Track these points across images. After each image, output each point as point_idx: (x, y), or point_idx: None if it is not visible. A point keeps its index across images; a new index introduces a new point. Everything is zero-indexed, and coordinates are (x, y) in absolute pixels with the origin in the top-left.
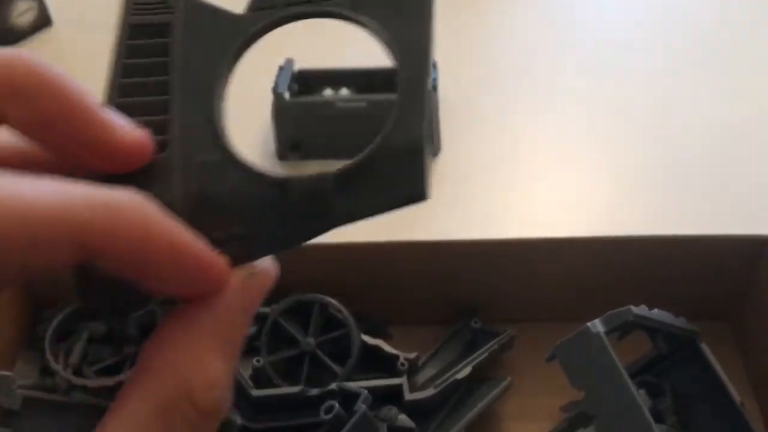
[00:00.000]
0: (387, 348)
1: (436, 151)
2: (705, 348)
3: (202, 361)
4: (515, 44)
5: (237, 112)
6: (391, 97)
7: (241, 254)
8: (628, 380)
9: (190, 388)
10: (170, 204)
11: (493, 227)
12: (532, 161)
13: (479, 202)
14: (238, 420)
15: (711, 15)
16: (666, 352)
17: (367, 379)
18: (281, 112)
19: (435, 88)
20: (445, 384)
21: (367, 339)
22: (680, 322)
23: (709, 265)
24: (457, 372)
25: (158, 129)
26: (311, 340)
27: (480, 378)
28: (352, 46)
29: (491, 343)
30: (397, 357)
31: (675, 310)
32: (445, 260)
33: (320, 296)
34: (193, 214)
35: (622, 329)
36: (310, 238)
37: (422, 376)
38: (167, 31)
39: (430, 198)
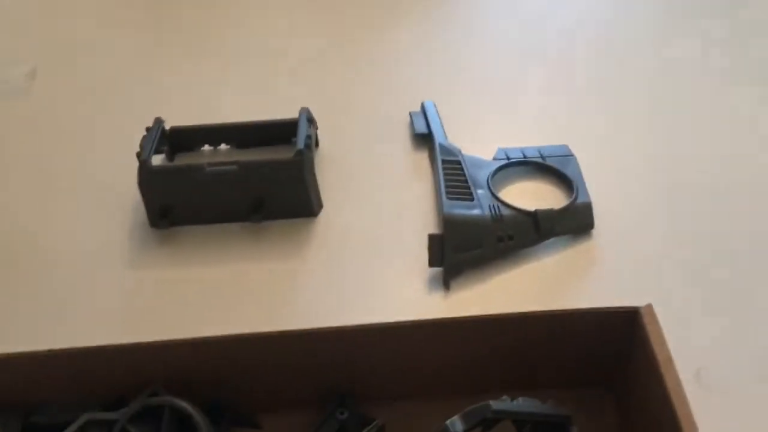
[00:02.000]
0: None
1: (317, 209)
2: (574, 430)
3: None
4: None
5: (108, 179)
6: (264, 156)
7: None
8: None
9: None
10: None
11: (362, 300)
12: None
13: (349, 272)
14: None
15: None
16: None
17: None
18: (147, 179)
19: (310, 146)
20: None
21: None
22: (548, 408)
23: (582, 337)
24: None
25: None
26: None
27: None
28: (232, 100)
29: None
30: None
31: (553, 379)
32: (310, 348)
33: (170, 399)
34: None
35: (483, 425)
36: None
37: None
38: None
39: None
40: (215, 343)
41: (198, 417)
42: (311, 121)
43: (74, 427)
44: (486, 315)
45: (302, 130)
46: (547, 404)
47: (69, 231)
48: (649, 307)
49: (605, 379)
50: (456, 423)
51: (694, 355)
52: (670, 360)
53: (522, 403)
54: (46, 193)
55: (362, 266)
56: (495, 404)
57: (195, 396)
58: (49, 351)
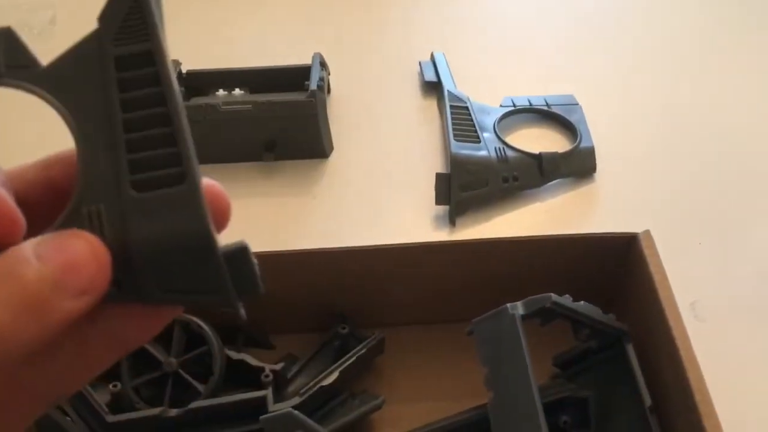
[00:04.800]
0: (252, 361)
1: (328, 150)
2: (630, 349)
3: None
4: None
5: None
6: (278, 97)
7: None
8: (528, 364)
9: None
10: None
11: (370, 233)
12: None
13: (358, 208)
14: None
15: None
16: (594, 346)
17: (233, 393)
18: None
19: (322, 87)
20: (310, 392)
21: (232, 354)
22: (607, 318)
23: (582, 261)
24: (324, 378)
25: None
26: (173, 361)
27: (355, 389)
28: (247, 45)
29: (358, 348)
30: (262, 369)
31: None
32: (318, 268)
33: (181, 314)
34: None
35: (541, 315)
36: None
37: (295, 386)
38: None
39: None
40: None
41: (207, 330)
42: (324, 65)
43: None
44: (488, 238)
45: (315, 73)
46: (608, 315)
47: None
48: (647, 232)
49: (604, 302)
50: (517, 306)
51: (688, 287)
52: (666, 281)
53: (583, 305)
54: (66, 132)
55: (371, 203)
56: (556, 297)
57: (211, 317)
58: None
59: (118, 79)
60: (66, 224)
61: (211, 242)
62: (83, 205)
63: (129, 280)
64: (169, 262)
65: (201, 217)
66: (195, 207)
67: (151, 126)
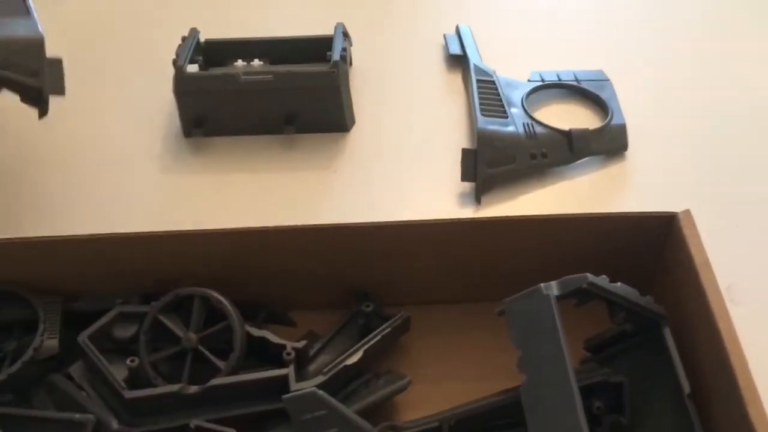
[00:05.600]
0: (273, 338)
1: (350, 124)
2: (667, 333)
3: None
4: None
5: (142, 88)
6: (300, 68)
7: None
8: (564, 348)
9: None
10: None
11: (393, 209)
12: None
13: (380, 184)
14: (114, 425)
15: None
16: (629, 329)
17: (254, 371)
18: (182, 86)
19: (345, 58)
20: (334, 371)
21: (253, 330)
22: (645, 300)
23: (617, 243)
24: (348, 357)
25: None
26: (192, 336)
27: (380, 370)
28: (268, 15)
29: (383, 326)
30: (283, 346)
31: None
32: (341, 244)
33: (200, 289)
34: None
35: (577, 296)
36: None
37: (317, 364)
38: None
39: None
40: (247, 234)
41: (228, 305)
42: (346, 36)
43: (106, 318)
44: (517, 216)
45: (338, 43)
46: (645, 298)
47: (109, 137)
48: (687, 212)
49: (640, 282)
50: (551, 286)
51: (724, 270)
52: (707, 262)
53: (620, 287)
54: (89, 101)
55: (394, 179)
56: (593, 278)
57: (232, 294)
58: (91, 235)
59: None
60: None
61: None
62: None
63: None
64: None
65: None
66: None
67: None
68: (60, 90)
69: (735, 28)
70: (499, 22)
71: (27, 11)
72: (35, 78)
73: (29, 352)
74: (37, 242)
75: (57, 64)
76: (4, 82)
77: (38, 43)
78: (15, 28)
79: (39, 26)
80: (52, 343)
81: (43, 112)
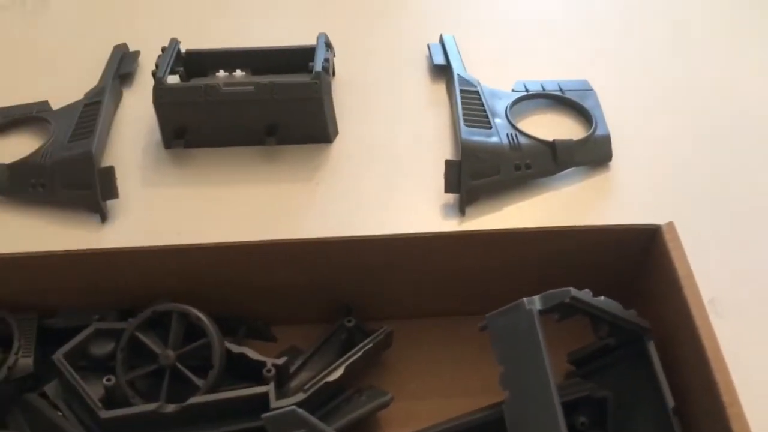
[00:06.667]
0: (253, 354)
1: (332, 135)
2: (651, 346)
3: None
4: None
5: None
6: (282, 79)
7: None
8: (547, 363)
9: None
10: None
11: (376, 221)
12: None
13: (363, 196)
14: None
15: None
16: (612, 343)
17: (233, 388)
18: (162, 98)
19: (327, 69)
20: (315, 388)
21: (232, 347)
22: (628, 314)
23: (600, 256)
24: (329, 374)
25: None
26: (170, 353)
27: (362, 385)
28: (249, 25)
29: (365, 342)
30: (264, 363)
31: None
32: (323, 258)
33: (178, 305)
34: None
35: (560, 311)
36: None
37: (298, 381)
38: None
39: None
40: (228, 249)
41: (206, 322)
42: (329, 46)
43: (82, 336)
44: (501, 229)
45: (320, 54)
46: (629, 311)
47: None
48: (671, 224)
49: (624, 295)
50: (534, 300)
51: (707, 283)
52: (690, 274)
53: (603, 301)
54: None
55: (377, 191)
56: (575, 292)
57: (212, 309)
58: (66, 251)
59: None
60: None
61: None
62: None
63: None
64: None
65: None
66: None
67: None
68: (113, 194)
69: (721, 40)
70: (483, 32)
71: (91, 133)
72: (89, 189)
73: (3, 371)
74: (10, 258)
75: (109, 171)
76: (62, 196)
77: (88, 158)
78: (75, 149)
79: (93, 144)
80: (26, 362)
81: (102, 217)
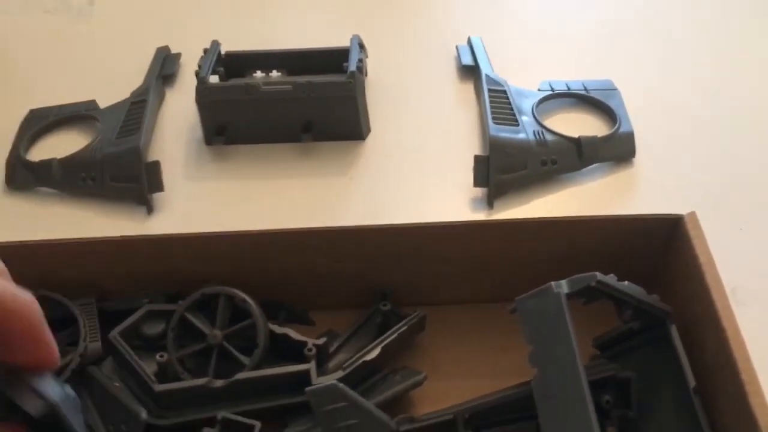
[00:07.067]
0: (294, 335)
1: (365, 132)
2: (673, 330)
3: None
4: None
5: (166, 98)
6: (318, 79)
7: None
8: (574, 343)
9: None
10: None
11: (407, 214)
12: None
13: (395, 190)
14: (144, 416)
15: None
16: (636, 327)
17: (276, 366)
18: (204, 96)
19: (361, 69)
20: (353, 366)
21: (275, 327)
22: (652, 299)
23: (624, 245)
24: (366, 354)
25: None
26: (218, 333)
27: (396, 366)
28: (285, 28)
29: (400, 324)
30: (305, 343)
31: None
32: (359, 246)
33: (225, 288)
34: None
35: (586, 294)
36: None
37: (336, 361)
38: None
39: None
40: (269, 236)
41: (252, 303)
42: (362, 47)
43: (135, 316)
44: (530, 218)
45: (354, 54)
46: (652, 296)
47: None
48: (693, 214)
49: (647, 282)
50: (561, 284)
51: (729, 272)
52: (711, 261)
53: (627, 285)
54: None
55: (408, 185)
56: (601, 276)
57: (254, 294)
58: (121, 236)
59: None
60: None
61: None
62: None
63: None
64: None
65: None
66: None
67: None
68: (159, 187)
69: (741, 36)
70: (509, 33)
71: (138, 129)
72: (136, 183)
73: (76, 360)
74: (64, 245)
75: (155, 166)
76: (111, 189)
77: (136, 153)
78: (123, 145)
79: (140, 140)
80: (95, 346)
81: (149, 209)
